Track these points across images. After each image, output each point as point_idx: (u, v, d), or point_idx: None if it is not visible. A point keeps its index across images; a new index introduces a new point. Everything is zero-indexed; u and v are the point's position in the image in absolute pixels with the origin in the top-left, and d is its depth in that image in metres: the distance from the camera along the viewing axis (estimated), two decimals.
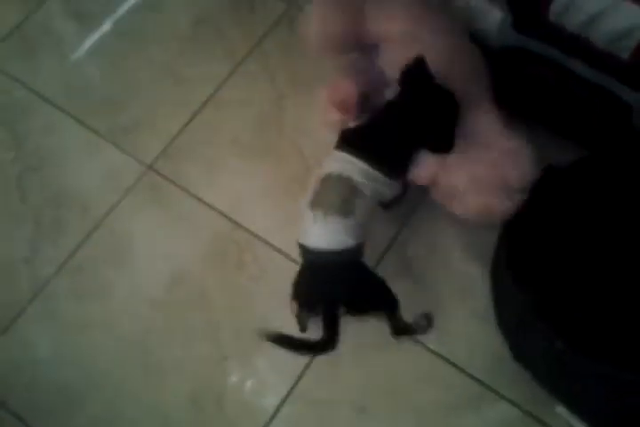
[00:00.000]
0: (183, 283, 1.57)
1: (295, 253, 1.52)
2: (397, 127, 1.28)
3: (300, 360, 1.45)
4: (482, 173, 1.24)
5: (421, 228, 1.55)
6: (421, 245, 1.52)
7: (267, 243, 1.58)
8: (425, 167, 1.31)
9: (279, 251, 1.57)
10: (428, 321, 1.43)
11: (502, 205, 1.22)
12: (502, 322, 1.34)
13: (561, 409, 1.29)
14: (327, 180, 1.27)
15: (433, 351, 1.44)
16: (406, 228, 1.56)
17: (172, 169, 1.68)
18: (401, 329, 1.33)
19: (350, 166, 1.26)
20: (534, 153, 1.23)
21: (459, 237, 1.52)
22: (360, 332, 1.37)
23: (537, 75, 1.40)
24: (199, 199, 1.64)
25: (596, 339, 1.15)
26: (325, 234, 1.22)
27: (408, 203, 1.53)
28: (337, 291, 1.20)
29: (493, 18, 1.39)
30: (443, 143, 1.28)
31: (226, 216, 1.62)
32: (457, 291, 1.48)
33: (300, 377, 1.45)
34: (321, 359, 1.44)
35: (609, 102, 1.34)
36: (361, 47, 1.42)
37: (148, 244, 1.61)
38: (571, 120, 1.47)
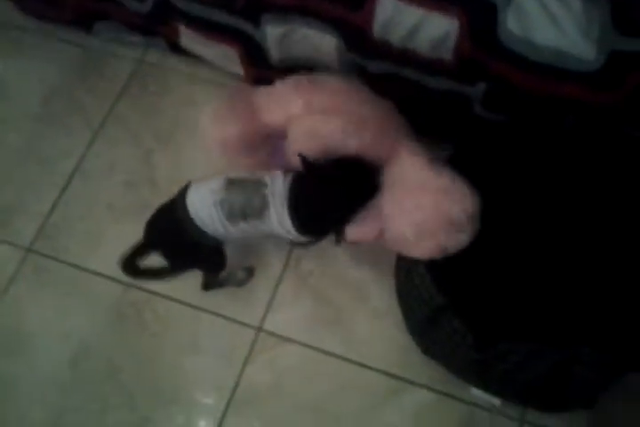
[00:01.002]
0: (88, 357, 1.54)
1: (194, 298, 1.55)
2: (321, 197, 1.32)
3: (217, 414, 1.45)
4: (425, 217, 1.24)
5: None
6: (314, 260, 1.58)
7: (163, 296, 1.58)
8: (368, 227, 1.34)
9: (176, 300, 1.57)
10: (248, 273, 1.57)
11: (456, 241, 1.23)
12: (410, 320, 1.40)
13: (476, 391, 1.37)
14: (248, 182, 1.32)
15: (344, 358, 1.48)
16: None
17: (52, 247, 1.65)
18: (212, 284, 1.52)
19: (283, 218, 1.30)
20: (465, 181, 1.24)
21: (346, 245, 1.56)
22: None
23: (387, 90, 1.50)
24: (86, 270, 1.62)
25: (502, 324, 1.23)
26: (204, 209, 1.30)
27: None
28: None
29: (329, 45, 1.48)
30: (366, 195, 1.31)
31: (116, 280, 1.60)
32: (355, 296, 1.54)
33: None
34: (240, 397, 1.46)
35: (454, 100, 1.46)
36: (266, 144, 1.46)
37: (42, 328, 1.57)
38: (431, 120, 1.57)
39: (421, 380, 1.43)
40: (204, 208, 1.30)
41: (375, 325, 1.50)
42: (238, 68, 1.70)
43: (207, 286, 1.52)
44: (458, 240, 1.22)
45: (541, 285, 1.19)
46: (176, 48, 1.80)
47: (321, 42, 1.49)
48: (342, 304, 1.53)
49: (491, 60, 1.31)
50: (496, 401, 1.36)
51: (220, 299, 1.55)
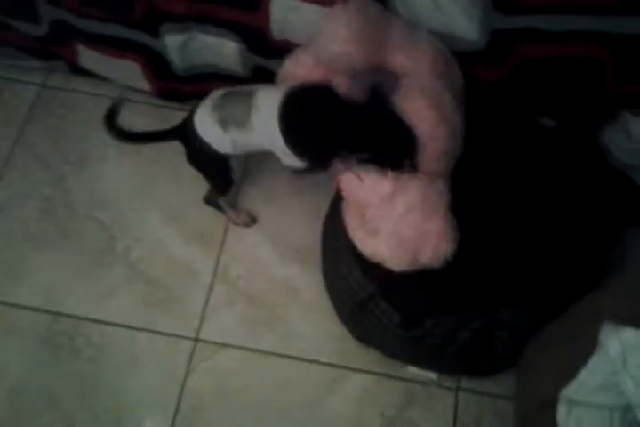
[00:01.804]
0: (25, 391, 1.48)
1: (127, 319, 1.52)
2: (345, 125, 1.21)
3: None
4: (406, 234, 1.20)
5: (236, 247, 1.60)
6: (242, 265, 1.58)
7: (93, 321, 1.54)
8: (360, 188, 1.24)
9: (108, 323, 1.53)
10: (251, 219, 1.61)
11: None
12: (341, 310, 1.42)
13: (412, 369, 1.41)
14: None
15: (283, 355, 1.49)
16: (224, 251, 1.60)
17: None
18: (212, 203, 1.56)
19: (271, 129, 1.24)
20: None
21: (273, 244, 1.60)
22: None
23: None
24: (9, 304, 1.56)
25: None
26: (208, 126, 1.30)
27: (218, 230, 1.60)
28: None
29: (230, 49, 1.50)
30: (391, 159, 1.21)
31: (43, 311, 1.55)
32: (287, 294, 1.55)
33: None
34: (186, 409, 1.44)
35: None
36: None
37: None
38: None
39: (359, 365, 1.46)
40: (204, 117, 1.30)
41: (309, 318, 1.51)
42: (143, 83, 1.68)
43: (208, 200, 1.56)
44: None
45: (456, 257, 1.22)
46: (78, 69, 1.77)
47: (222, 47, 1.50)
48: (275, 303, 1.53)
49: None
50: (432, 375, 1.40)
51: (153, 316, 1.52)
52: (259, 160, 1.64)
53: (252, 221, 1.62)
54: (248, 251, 1.59)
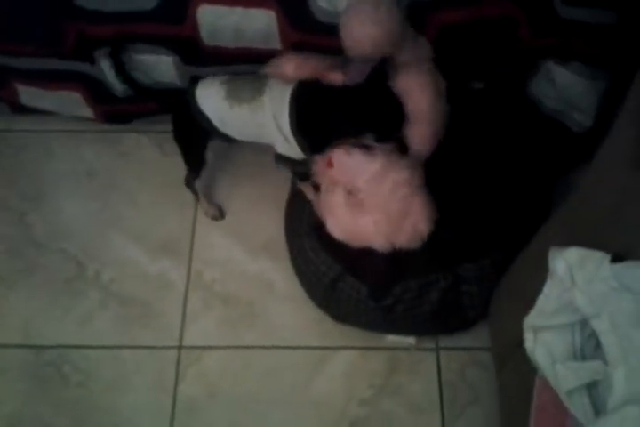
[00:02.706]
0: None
1: (108, 339, 1.53)
2: (345, 113, 1.24)
3: None
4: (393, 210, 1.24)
5: (205, 252, 1.62)
6: (214, 269, 1.60)
7: (76, 347, 1.54)
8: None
9: (91, 347, 1.54)
10: (220, 213, 1.65)
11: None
12: (314, 293, 1.46)
13: (391, 337, 1.45)
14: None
15: (267, 347, 1.51)
16: (194, 258, 1.62)
17: None
18: (189, 186, 1.60)
19: (279, 110, 1.27)
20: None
21: (241, 243, 1.63)
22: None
23: None
24: None
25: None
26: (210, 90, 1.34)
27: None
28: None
29: (166, 64, 1.54)
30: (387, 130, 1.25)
31: (25, 346, 1.55)
32: (261, 288, 1.57)
33: None
34: (181, 417, 1.44)
35: None
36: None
37: None
38: None
39: (341, 343, 1.49)
40: (210, 90, 1.33)
41: (286, 308, 1.54)
42: (86, 111, 1.70)
43: (187, 182, 1.59)
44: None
45: None
46: (20, 108, 1.78)
47: (158, 63, 1.54)
48: (251, 299, 1.55)
49: (315, 38, 1.41)
50: (411, 340, 1.44)
51: (134, 332, 1.53)
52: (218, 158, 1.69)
53: (220, 215, 1.66)
54: (217, 254, 1.60)
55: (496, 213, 1.31)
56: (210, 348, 1.50)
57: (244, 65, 1.50)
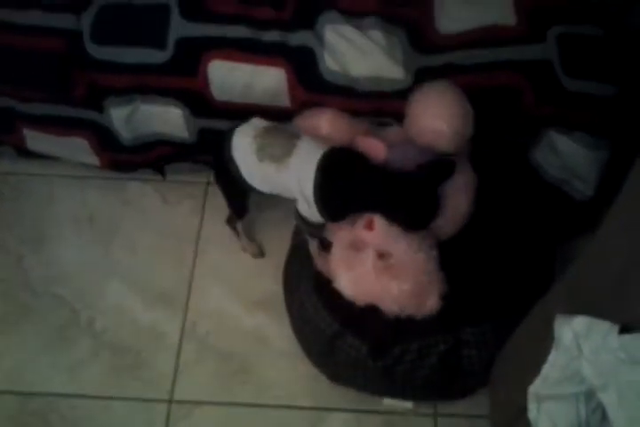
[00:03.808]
0: None
1: (99, 389, 1.49)
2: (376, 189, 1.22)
3: None
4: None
5: (201, 304, 1.61)
6: (209, 321, 1.58)
7: (64, 395, 1.50)
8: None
9: (79, 396, 1.50)
10: (260, 253, 1.66)
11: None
12: (311, 351, 1.43)
13: (388, 400, 1.42)
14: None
15: (260, 405, 1.47)
16: (189, 309, 1.60)
17: None
18: (231, 225, 1.60)
19: (304, 175, 1.25)
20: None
21: (237, 297, 1.61)
22: None
23: None
24: None
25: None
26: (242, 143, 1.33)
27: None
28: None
29: (175, 116, 1.56)
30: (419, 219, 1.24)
31: (12, 393, 1.52)
32: (256, 343, 1.55)
33: None
34: None
35: None
36: None
37: None
38: None
39: (336, 405, 1.45)
40: (244, 142, 1.31)
41: (281, 365, 1.51)
42: (92, 158, 1.72)
43: (229, 221, 1.60)
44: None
45: None
46: (26, 153, 1.80)
47: (167, 114, 1.57)
48: (246, 354, 1.53)
49: (323, 98, 1.45)
50: (408, 404, 1.41)
51: (124, 382, 1.50)
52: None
53: (260, 253, 1.65)
54: (213, 306, 1.59)
55: (498, 278, 1.32)
56: (201, 403, 1.47)
57: None
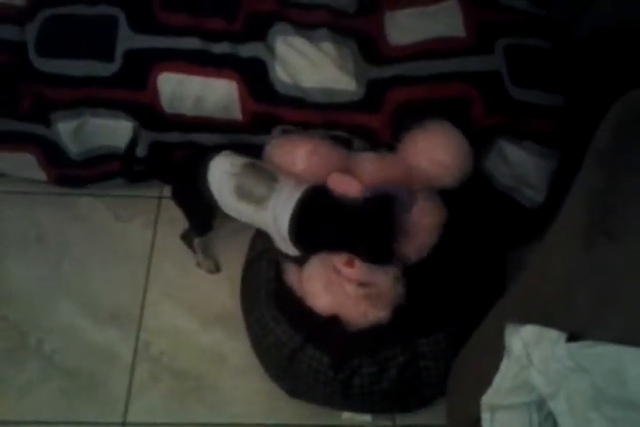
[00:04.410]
0: None
1: (47, 414, 1.44)
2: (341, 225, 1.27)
3: None
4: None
5: (155, 323, 1.56)
6: (163, 340, 1.54)
7: (12, 422, 1.44)
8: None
9: (28, 423, 1.44)
10: (216, 268, 1.63)
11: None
12: (270, 365, 1.41)
13: (346, 414, 1.40)
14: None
15: (216, 424, 1.44)
16: (142, 329, 1.56)
17: None
18: (186, 241, 1.59)
19: (281, 218, 1.29)
20: None
21: (192, 314, 1.57)
22: None
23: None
24: None
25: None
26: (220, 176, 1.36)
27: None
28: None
29: (124, 129, 1.53)
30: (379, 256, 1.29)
31: None
32: (213, 361, 1.51)
33: None
34: None
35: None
36: None
37: None
38: None
39: (294, 420, 1.43)
40: (222, 178, 1.34)
41: (238, 382, 1.48)
42: (39, 173, 1.66)
43: (184, 237, 1.59)
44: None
45: None
46: None
47: (116, 127, 1.53)
48: (201, 372, 1.49)
49: (275, 110, 1.44)
50: (367, 417, 1.40)
51: (76, 406, 1.45)
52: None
53: (216, 268, 1.63)
54: (168, 324, 1.55)
55: (448, 286, 1.32)
56: (156, 425, 1.43)
57: (205, 133, 1.51)
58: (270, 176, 1.33)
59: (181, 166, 1.46)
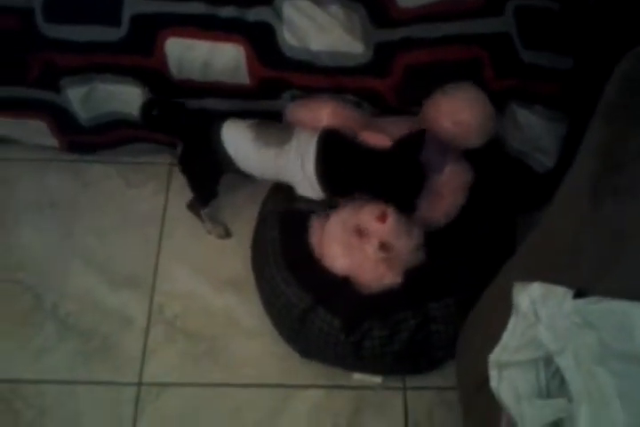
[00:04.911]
0: None
1: (64, 373, 1.48)
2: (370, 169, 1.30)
3: None
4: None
5: (168, 286, 1.59)
6: (177, 303, 1.57)
7: (30, 381, 1.48)
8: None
9: (45, 381, 1.48)
10: (227, 233, 1.64)
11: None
12: (283, 327, 1.44)
13: (357, 375, 1.43)
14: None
15: (230, 385, 1.47)
16: (156, 292, 1.58)
17: None
18: (193, 211, 1.61)
19: (305, 156, 1.31)
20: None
21: (205, 278, 1.59)
22: None
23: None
24: None
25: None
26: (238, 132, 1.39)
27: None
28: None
29: (133, 95, 1.53)
30: (406, 203, 1.31)
31: None
32: (226, 324, 1.54)
33: None
34: None
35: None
36: None
37: None
38: None
39: (306, 381, 1.46)
40: (238, 131, 1.37)
41: (251, 344, 1.50)
42: (51, 140, 1.68)
43: (190, 206, 1.61)
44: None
45: None
46: None
47: (125, 93, 1.53)
48: (215, 335, 1.52)
49: (283, 74, 1.43)
50: (377, 379, 1.42)
51: (92, 367, 1.49)
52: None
53: (226, 234, 1.64)
54: (181, 287, 1.58)
55: (460, 251, 1.34)
56: (170, 385, 1.46)
57: (214, 98, 1.51)
58: (285, 127, 1.37)
59: (193, 128, 1.46)
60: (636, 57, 0.76)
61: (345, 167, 1.31)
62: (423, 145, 1.27)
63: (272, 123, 1.41)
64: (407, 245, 1.31)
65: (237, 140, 1.37)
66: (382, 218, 1.29)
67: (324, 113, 1.39)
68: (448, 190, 1.34)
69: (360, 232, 1.32)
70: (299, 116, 1.41)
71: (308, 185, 1.35)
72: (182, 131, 1.48)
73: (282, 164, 1.35)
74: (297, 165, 1.33)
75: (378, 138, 1.30)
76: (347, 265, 1.33)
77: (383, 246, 1.30)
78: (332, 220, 1.37)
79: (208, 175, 1.49)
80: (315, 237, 1.39)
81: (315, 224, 1.41)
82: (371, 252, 1.30)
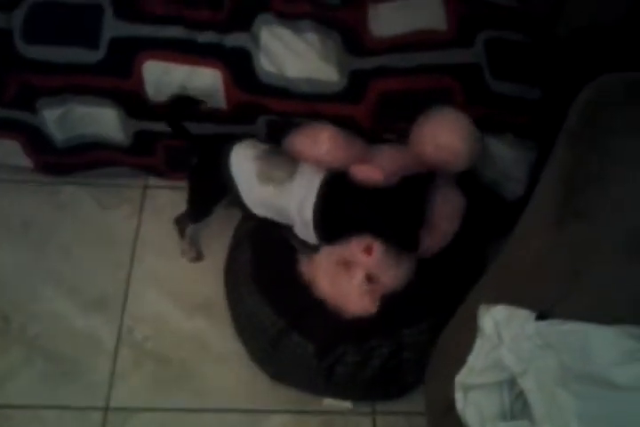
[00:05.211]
0: None
1: (30, 398, 1.45)
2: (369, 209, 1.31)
3: None
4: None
5: (138, 309, 1.58)
6: (147, 325, 1.55)
7: None
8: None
9: (10, 407, 1.44)
10: (198, 256, 1.65)
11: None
12: (254, 349, 1.43)
13: (328, 400, 1.42)
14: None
15: (199, 410, 1.45)
16: (125, 314, 1.57)
17: None
18: (179, 225, 1.60)
19: (305, 200, 1.31)
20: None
21: (175, 301, 1.58)
22: None
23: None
24: None
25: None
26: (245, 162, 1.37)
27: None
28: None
29: (109, 116, 1.54)
30: (407, 241, 1.32)
31: None
32: (196, 348, 1.52)
33: None
34: None
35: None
36: None
37: None
38: None
39: (276, 406, 1.44)
40: (244, 161, 1.36)
41: (221, 368, 1.49)
42: (25, 160, 1.67)
43: (179, 221, 1.59)
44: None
45: None
46: None
47: (101, 115, 1.54)
48: (184, 359, 1.50)
49: (259, 99, 1.46)
50: (347, 404, 1.41)
51: (58, 391, 1.46)
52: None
53: (197, 258, 1.64)
54: (151, 311, 1.56)
55: (432, 278, 1.35)
56: (139, 410, 1.43)
57: (189, 122, 1.52)
58: (291, 161, 1.35)
59: (210, 144, 1.46)
60: (595, 87, 0.79)
61: (349, 212, 1.32)
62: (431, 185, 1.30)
63: (280, 153, 1.38)
64: (394, 277, 1.32)
65: (243, 171, 1.36)
66: (368, 250, 1.30)
67: (322, 138, 1.37)
68: (442, 219, 1.34)
69: (347, 264, 1.33)
70: (297, 143, 1.39)
71: (304, 229, 1.35)
72: (200, 142, 1.48)
73: (282, 203, 1.34)
74: (295, 209, 1.33)
75: (369, 169, 1.30)
76: (331, 295, 1.34)
77: (369, 278, 1.31)
78: (321, 251, 1.38)
79: (211, 193, 1.48)
80: (304, 266, 1.40)
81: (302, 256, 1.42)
82: (357, 284, 1.31)
